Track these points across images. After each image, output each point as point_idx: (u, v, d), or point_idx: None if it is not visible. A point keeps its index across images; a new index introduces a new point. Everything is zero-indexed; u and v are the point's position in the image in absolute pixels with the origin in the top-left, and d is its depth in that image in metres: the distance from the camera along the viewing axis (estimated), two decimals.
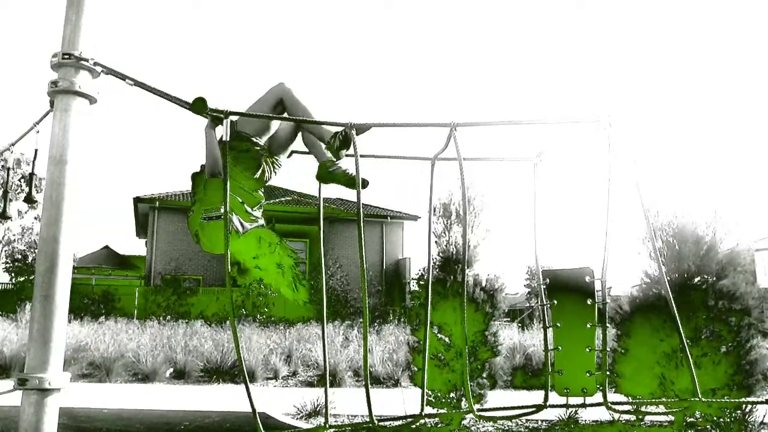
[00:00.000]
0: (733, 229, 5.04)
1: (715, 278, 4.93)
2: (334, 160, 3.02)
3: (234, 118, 2.93)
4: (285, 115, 3.12)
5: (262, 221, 3.11)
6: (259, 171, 3.07)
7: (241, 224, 2.96)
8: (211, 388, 8.48)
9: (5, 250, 22.60)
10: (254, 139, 3.04)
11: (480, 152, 3.32)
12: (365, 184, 2.95)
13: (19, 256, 22.02)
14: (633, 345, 5.10)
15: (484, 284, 5.62)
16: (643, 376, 4.91)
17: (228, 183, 2.65)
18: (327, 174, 3.02)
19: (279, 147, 3.26)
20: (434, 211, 5.99)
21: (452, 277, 5.53)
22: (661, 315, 4.86)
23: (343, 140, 2.94)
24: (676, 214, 5.21)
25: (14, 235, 22.93)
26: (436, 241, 5.91)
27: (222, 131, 2.68)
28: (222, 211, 2.85)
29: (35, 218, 23.49)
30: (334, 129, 3.08)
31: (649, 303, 5.07)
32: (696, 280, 4.96)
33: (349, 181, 2.94)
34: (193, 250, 22.31)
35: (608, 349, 5.17)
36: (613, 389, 5.14)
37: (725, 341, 4.75)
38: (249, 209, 3.04)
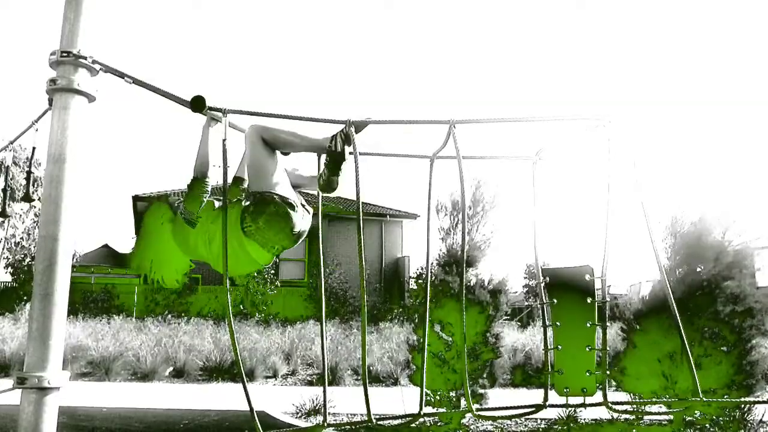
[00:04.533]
0: (735, 229, 5.04)
1: (720, 279, 4.94)
2: (324, 175, 2.80)
3: (232, 116, 2.90)
4: (283, 127, 2.95)
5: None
6: (295, 226, 2.79)
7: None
8: (211, 386, 8.48)
9: (6, 249, 22.56)
10: (277, 195, 2.73)
11: (480, 151, 3.31)
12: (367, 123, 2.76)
13: (14, 258, 21.97)
14: (638, 343, 5.10)
15: (487, 285, 5.61)
16: (647, 375, 4.91)
17: (227, 182, 2.64)
18: (326, 184, 2.82)
19: (300, 186, 3.03)
20: (441, 208, 5.97)
21: (456, 276, 5.52)
22: (665, 314, 4.86)
23: (345, 140, 2.82)
24: (682, 214, 5.21)
25: (14, 235, 22.90)
26: (441, 239, 5.89)
27: (221, 129, 2.66)
28: (195, 222, 2.81)
29: (35, 216, 23.46)
30: (328, 139, 2.98)
31: (658, 301, 5.07)
32: (703, 280, 4.96)
33: (336, 161, 2.75)
34: None
35: (615, 347, 5.19)
36: (614, 387, 5.14)
37: (727, 342, 4.76)
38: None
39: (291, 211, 2.74)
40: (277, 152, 2.84)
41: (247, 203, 2.80)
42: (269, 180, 2.75)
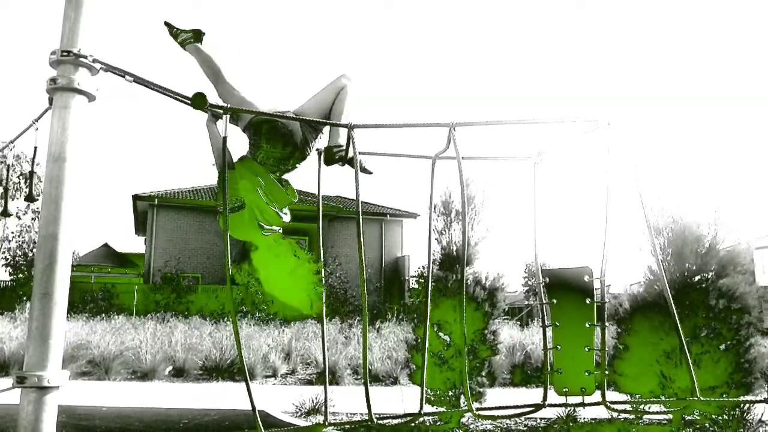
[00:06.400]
0: (733, 228, 5.04)
1: (715, 277, 4.94)
2: (341, 145, 2.98)
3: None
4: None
5: (288, 218, 3.05)
6: (294, 146, 2.97)
7: (264, 224, 2.93)
8: (210, 386, 8.49)
9: (6, 248, 22.57)
10: (263, 116, 2.93)
11: (480, 152, 3.32)
12: (368, 172, 3.00)
13: (18, 254, 21.98)
14: (633, 343, 5.10)
15: (484, 282, 5.62)
16: (644, 374, 4.91)
17: (227, 180, 2.65)
18: (333, 159, 2.98)
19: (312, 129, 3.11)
20: (435, 208, 5.98)
21: (453, 275, 5.53)
22: (662, 313, 4.87)
23: (338, 159, 2.92)
24: (678, 212, 5.22)
25: (12, 233, 22.89)
26: (436, 239, 5.91)
27: (222, 127, 2.67)
28: (242, 201, 2.85)
29: (33, 218, 23.49)
30: (340, 140, 3.05)
31: (650, 301, 5.08)
32: (696, 278, 4.97)
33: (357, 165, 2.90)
34: (192, 248, 22.30)
35: (608, 348, 5.19)
36: (612, 387, 5.15)
37: (724, 339, 4.76)
38: (277, 209, 2.96)
39: (280, 120, 2.92)
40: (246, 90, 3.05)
41: (248, 137, 2.99)
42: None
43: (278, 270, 2.91)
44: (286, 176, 3.11)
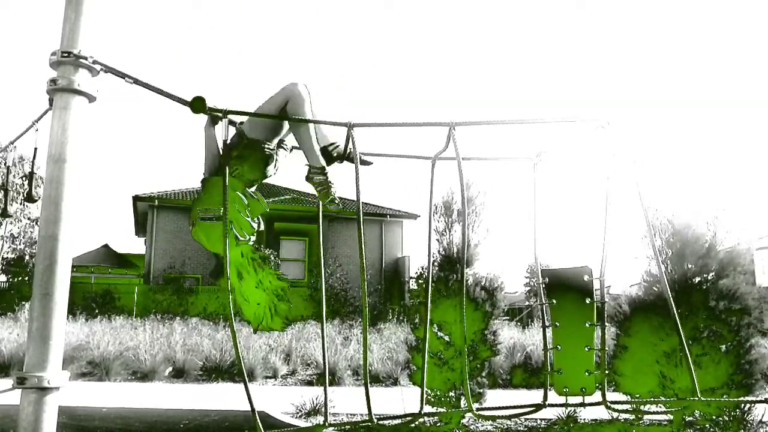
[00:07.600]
0: (732, 229, 5.04)
1: (715, 278, 4.94)
2: (319, 168, 2.96)
3: (234, 117, 2.92)
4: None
5: (261, 226, 3.08)
6: (268, 165, 3.06)
7: (238, 234, 2.94)
8: (211, 386, 8.48)
9: (5, 250, 22.58)
10: (264, 145, 3.01)
11: (480, 152, 3.31)
12: (368, 164, 3.05)
13: (14, 257, 21.97)
14: (633, 344, 5.10)
15: (484, 283, 5.63)
16: (644, 375, 4.91)
17: (227, 183, 2.65)
18: (331, 158, 3.03)
19: (268, 133, 3.10)
20: (435, 209, 5.98)
21: (453, 276, 5.54)
22: (662, 314, 4.87)
23: (336, 157, 2.95)
24: (677, 213, 5.22)
25: (14, 235, 22.90)
26: (437, 240, 5.92)
27: (221, 130, 2.67)
28: (220, 212, 2.83)
29: (30, 220, 23.50)
30: (330, 139, 3.09)
31: (649, 302, 5.08)
32: (696, 279, 4.97)
33: (325, 190, 2.93)
34: (192, 249, 22.29)
35: (608, 348, 5.19)
36: (613, 388, 5.15)
37: (725, 340, 4.76)
38: (249, 219, 2.98)
39: (274, 156, 3.01)
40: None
41: (234, 146, 2.96)
42: (266, 133, 2.99)
43: (240, 284, 2.95)
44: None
